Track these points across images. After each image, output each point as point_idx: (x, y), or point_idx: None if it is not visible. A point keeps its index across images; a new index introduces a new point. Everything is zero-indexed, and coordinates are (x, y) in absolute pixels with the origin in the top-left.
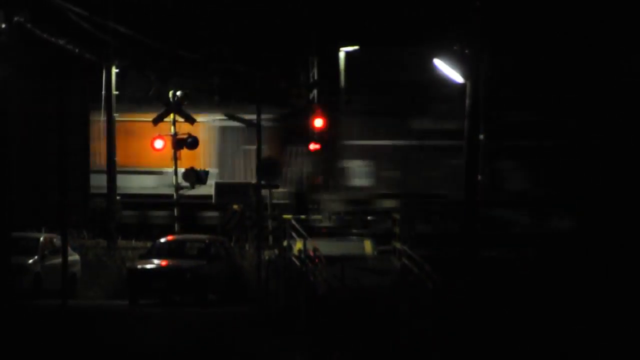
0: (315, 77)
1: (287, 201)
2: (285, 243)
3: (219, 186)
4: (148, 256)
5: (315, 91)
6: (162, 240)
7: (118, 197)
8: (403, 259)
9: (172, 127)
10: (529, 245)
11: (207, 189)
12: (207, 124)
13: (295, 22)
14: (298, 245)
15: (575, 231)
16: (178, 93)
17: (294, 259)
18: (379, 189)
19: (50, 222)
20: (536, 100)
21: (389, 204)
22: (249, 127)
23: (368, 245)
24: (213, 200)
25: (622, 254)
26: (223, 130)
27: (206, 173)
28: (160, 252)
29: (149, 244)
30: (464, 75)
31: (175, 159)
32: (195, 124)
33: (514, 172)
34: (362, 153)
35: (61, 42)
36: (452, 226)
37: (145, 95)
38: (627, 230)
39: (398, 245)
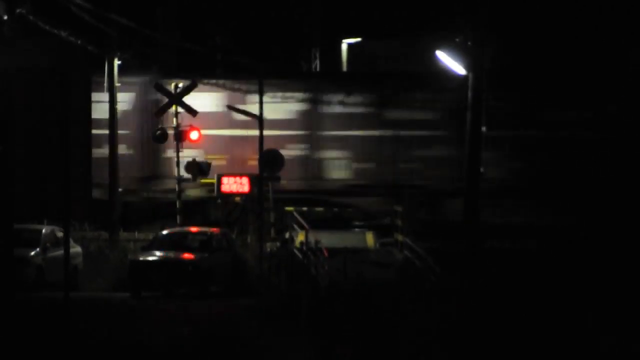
0: (318, 69)
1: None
2: (287, 235)
3: (221, 178)
4: (150, 248)
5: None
6: (164, 232)
7: (120, 190)
8: (405, 251)
9: (175, 119)
10: (531, 237)
11: None
12: None
13: (299, 13)
14: (300, 237)
15: (575, 224)
16: (180, 85)
17: (295, 251)
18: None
19: (52, 214)
20: (539, 92)
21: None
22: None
23: (370, 238)
24: (215, 193)
25: (620, 247)
26: None
27: (208, 165)
28: (162, 244)
29: (151, 236)
30: (467, 67)
31: (178, 150)
32: None
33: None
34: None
35: (63, 33)
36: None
37: None
38: (625, 223)
39: (400, 237)
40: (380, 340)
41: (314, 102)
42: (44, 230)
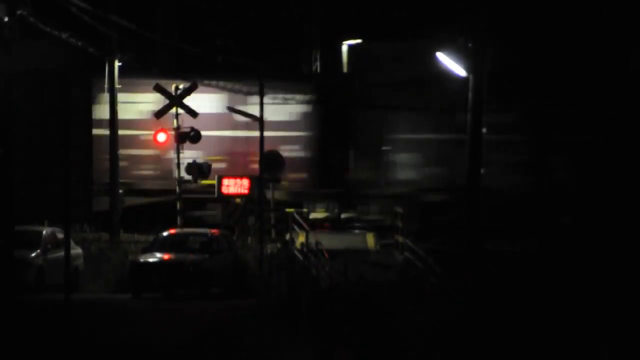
0: (319, 70)
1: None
2: (287, 236)
3: (221, 179)
4: (151, 250)
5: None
6: (165, 233)
7: (121, 191)
8: (406, 252)
9: (175, 121)
10: (532, 238)
11: None
12: None
13: (299, 15)
14: (300, 238)
15: (574, 226)
16: (181, 86)
17: (296, 252)
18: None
19: (53, 215)
20: (539, 94)
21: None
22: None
23: (371, 239)
24: (215, 194)
25: (620, 247)
26: None
27: (209, 166)
28: (162, 245)
29: (151, 238)
30: (467, 69)
31: (178, 152)
32: None
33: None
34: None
35: (64, 35)
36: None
37: None
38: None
39: (401, 239)
40: (381, 341)
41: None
42: (44, 232)
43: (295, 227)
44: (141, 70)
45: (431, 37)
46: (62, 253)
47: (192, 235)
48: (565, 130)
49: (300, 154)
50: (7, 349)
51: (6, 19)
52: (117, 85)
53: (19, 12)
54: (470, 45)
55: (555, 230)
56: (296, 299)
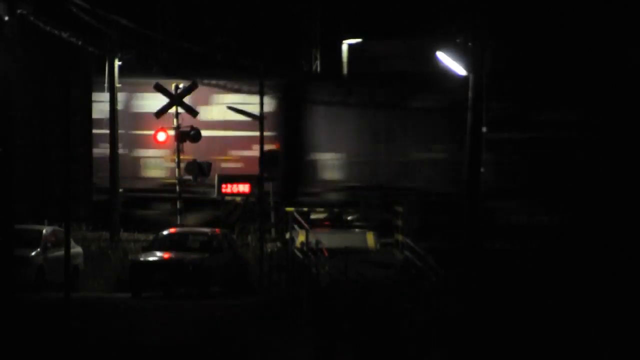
0: (318, 69)
1: None
2: (287, 235)
3: (221, 178)
4: (150, 248)
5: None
6: (165, 232)
7: (121, 190)
8: (405, 251)
9: (175, 120)
10: (531, 237)
11: None
12: None
13: (299, 13)
14: (300, 237)
15: (573, 224)
16: (181, 85)
17: (296, 251)
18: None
19: (53, 214)
20: (535, 92)
21: None
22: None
23: (371, 238)
24: (215, 194)
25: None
26: None
27: (209, 165)
28: (163, 244)
29: (151, 237)
30: (467, 68)
31: (178, 151)
32: None
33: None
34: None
35: (64, 34)
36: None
37: None
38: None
39: (400, 237)
40: (381, 340)
41: None
42: (44, 231)
43: (296, 226)
44: (141, 68)
45: (431, 36)
46: (62, 252)
47: (192, 235)
48: (561, 129)
49: None
50: (7, 347)
51: (7, 18)
52: (117, 85)
53: (19, 11)
54: (470, 44)
55: (554, 230)
56: (296, 298)
